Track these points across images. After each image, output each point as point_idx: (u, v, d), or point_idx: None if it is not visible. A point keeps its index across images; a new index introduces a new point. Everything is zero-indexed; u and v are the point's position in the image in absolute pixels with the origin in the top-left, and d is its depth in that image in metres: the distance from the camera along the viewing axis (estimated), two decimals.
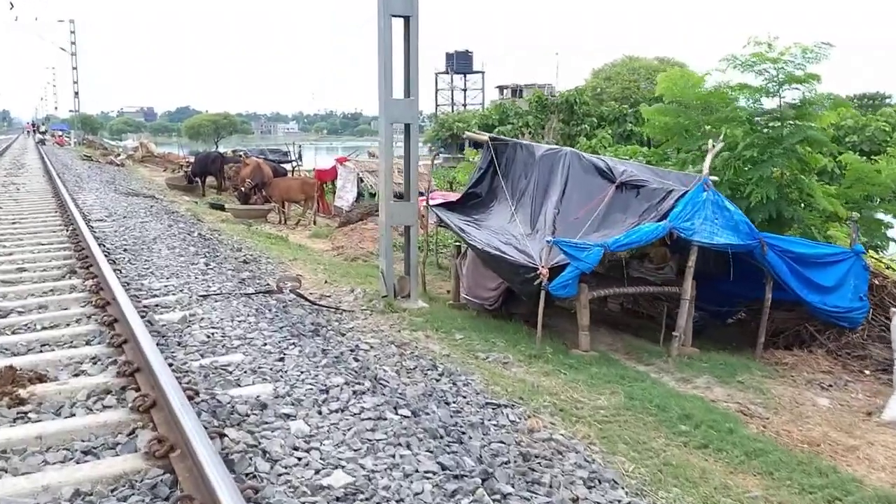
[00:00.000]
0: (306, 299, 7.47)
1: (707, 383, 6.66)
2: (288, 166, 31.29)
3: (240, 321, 6.25)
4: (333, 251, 13.10)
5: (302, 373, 4.95)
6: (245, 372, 4.94)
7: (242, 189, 18.30)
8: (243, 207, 17.84)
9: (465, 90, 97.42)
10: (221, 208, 20.23)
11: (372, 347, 6.23)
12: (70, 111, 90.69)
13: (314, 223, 18.64)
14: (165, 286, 7.59)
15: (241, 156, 32.61)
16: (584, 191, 7.73)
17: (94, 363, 5.36)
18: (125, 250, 9.74)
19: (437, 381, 5.46)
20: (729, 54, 11.69)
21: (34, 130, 75.19)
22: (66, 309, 7.02)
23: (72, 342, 5.89)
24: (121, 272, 8.29)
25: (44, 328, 6.37)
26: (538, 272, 6.82)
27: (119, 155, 42.86)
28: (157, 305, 6.87)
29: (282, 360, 5.21)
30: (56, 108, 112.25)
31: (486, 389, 5.40)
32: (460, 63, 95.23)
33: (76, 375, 5.17)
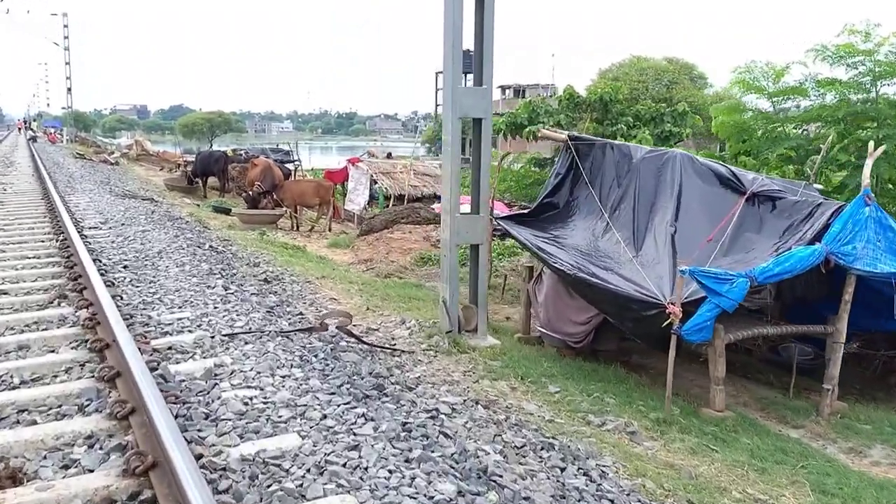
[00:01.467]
0: (360, 339, 5.95)
1: (888, 456, 5.19)
2: (290, 167, 29.75)
3: (283, 376, 4.72)
4: (360, 265, 11.59)
5: (391, 472, 3.43)
6: (309, 470, 3.43)
7: (251, 192, 16.75)
8: (252, 212, 16.29)
9: None
10: (227, 212, 18.65)
11: (454, 411, 4.72)
12: (62, 108, 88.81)
13: (329, 230, 17.09)
14: (179, 319, 6.05)
15: (241, 154, 31.03)
16: (703, 203, 6.24)
17: (91, 447, 3.84)
18: (125, 268, 8.20)
19: (563, 470, 3.96)
20: (818, 44, 10.22)
21: (26, 127, 73.31)
22: (52, 351, 5.50)
23: (59, 407, 4.37)
24: (121, 298, 6.76)
25: (22, 382, 4.85)
26: (663, 310, 5.31)
27: (113, 153, 41.20)
28: (170, 349, 5.34)
29: (355, 447, 3.69)
30: (48, 104, 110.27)
31: (634, 485, 3.90)
32: (462, 62, 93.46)
33: (65, 468, 3.65)
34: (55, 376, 4.95)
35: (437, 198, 21.19)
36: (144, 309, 6.41)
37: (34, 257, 9.06)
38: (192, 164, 23.48)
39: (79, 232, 10.44)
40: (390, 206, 20.31)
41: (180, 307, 6.49)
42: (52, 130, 67.18)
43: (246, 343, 5.43)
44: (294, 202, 17.13)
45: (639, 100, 57.64)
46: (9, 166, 25.21)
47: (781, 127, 10.76)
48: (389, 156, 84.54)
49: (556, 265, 6.48)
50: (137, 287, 7.27)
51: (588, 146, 7.48)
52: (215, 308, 6.47)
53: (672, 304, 5.25)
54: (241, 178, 23.92)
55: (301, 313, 7.04)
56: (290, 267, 9.81)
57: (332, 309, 6.63)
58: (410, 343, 6.36)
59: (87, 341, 5.56)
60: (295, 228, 17.15)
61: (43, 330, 5.98)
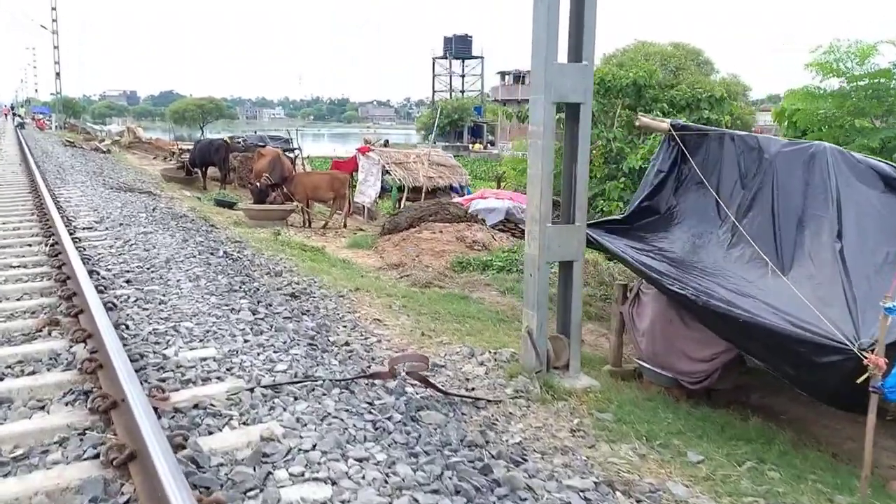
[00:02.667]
0: (438, 389, 4.67)
1: None
2: (290, 155, 28.30)
3: (359, 458, 3.44)
4: (390, 271, 10.28)
5: None
6: None
7: (259, 185, 15.38)
8: (260, 208, 14.93)
9: (463, 76, 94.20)
10: (231, 206, 17.28)
11: (589, 502, 3.46)
12: (51, 94, 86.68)
13: (344, 226, 15.73)
14: (202, 360, 4.75)
15: (239, 142, 29.56)
16: (871, 212, 4.95)
17: None
18: (128, 282, 6.88)
19: None
20: None
21: (12, 114, 71.35)
22: (41, 408, 4.21)
23: None
24: (126, 327, 5.45)
25: (2, 465, 3.56)
26: (849, 356, 4.02)
27: (103, 140, 39.62)
28: (196, 408, 4.04)
29: None
30: (36, 90, 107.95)
31: None
32: (459, 48, 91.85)
33: None
34: (44, 453, 3.66)
35: (452, 189, 19.89)
36: (157, 343, 5.11)
37: (19, 266, 7.74)
38: (191, 154, 22.02)
39: (71, 234, 9.11)
40: (403, 198, 19.01)
41: (202, 340, 5.18)
42: (41, 117, 65.32)
43: (296, 399, 4.14)
44: (306, 196, 15.76)
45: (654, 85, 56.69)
46: None
47: (869, 115, 9.50)
48: (386, 143, 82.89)
49: (673, 288, 5.20)
50: (145, 310, 5.95)
51: (698, 137, 6.17)
52: (245, 341, 5.17)
53: (868, 349, 3.98)
54: (242, 169, 22.52)
55: (347, 343, 5.76)
56: (317, 276, 8.52)
57: (404, 352, 5.31)
58: (491, 385, 5.08)
59: (86, 394, 4.27)
60: (307, 225, 15.79)
61: (29, 374, 4.68)
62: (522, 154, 18.88)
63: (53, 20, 54.17)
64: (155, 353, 4.89)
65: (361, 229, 16.03)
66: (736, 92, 39.43)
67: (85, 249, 8.39)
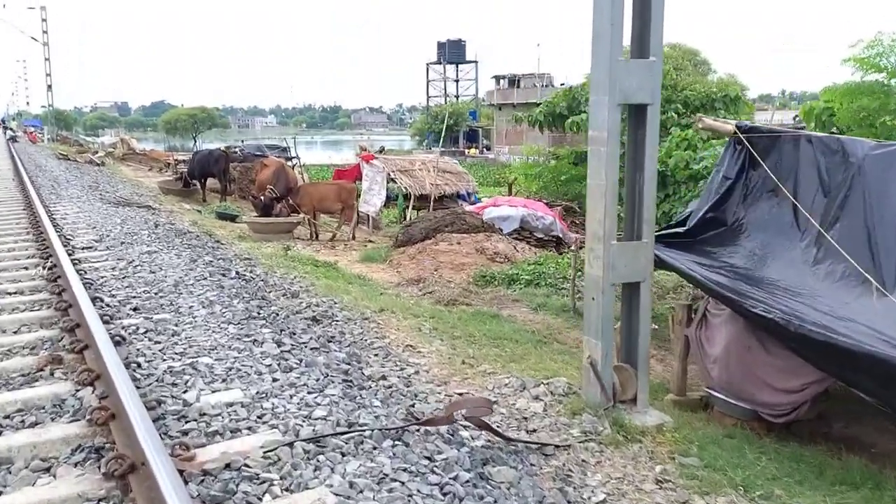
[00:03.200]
0: (500, 435, 4.08)
1: None
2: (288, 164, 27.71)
3: None
4: (410, 287, 9.68)
5: None
6: None
7: (262, 197, 14.75)
8: (265, 221, 14.31)
9: (457, 81, 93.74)
10: (233, 219, 16.68)
11: None
12: (42, 106, 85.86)
13: (353, 238, 15.12)
14: (228, 406, 4.17)
15: (236, 152, 28.97)
16: None
17: None
18: (136, 310, 6.28)
19: None
20: None
21: (4, 127, 70.57)
22: (46, 470, 3.63)
23: None
24: (139, 366, 4.86)
25: None
26: None
27: (97, 152, 38.97)
28: (228, 470, 3.45)
29: None
30: (28, 103, 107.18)
31: None
32: (452, 52, 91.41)
33: None
34: None
35: (459, 197, 19.33)
36: (174, 384, 4.51)
37: (16, 293, 7.15)
38: (189, 165, 21.38)
39: (70, 255, 8.51)
40: (410, 207, 18.44)
41: (225, 380, 4.59)
42: (33, 130, 64.57)
43: (344, 455, 3.56)
44: (313, 208, 15.15)
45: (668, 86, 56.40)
46: None
47: None
48: (382, 150, 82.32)
49: (756, 311, 4.63)
50: (157, 343, 5.36)
51: (769, 140, 5.59)
52: (274, 380, 4.58)
53: None
54: (242, 180, 21.91)
55: (384, 377, 5.17)
56: (335, 296, 7.93)
57: (465, 397, 4.70)
58: (553, 426, 4.50)
59: (98, 452, 3.69)
60: (314, 238, 15.17)
61: (31, 426, 4.09)
62: (531, 159, 18.36)
63: (44, 32, 53.47)
64: (174, 397, 4.29)
65: (371, 241, 15.43)
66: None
67: (86, 272, 7.80)
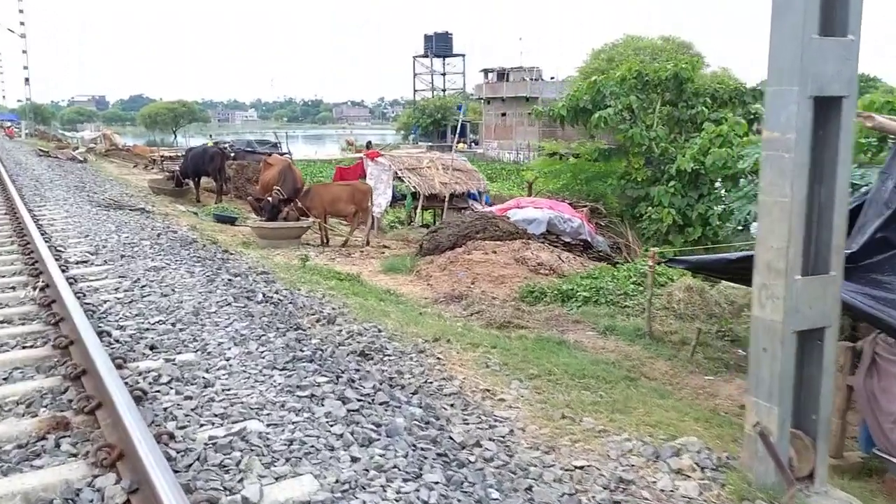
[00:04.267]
0: None
1: None
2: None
3: None
4: (449, 304, 8.56)
5: None
6: None
7: (269, 199, 13.51)
8: (272, 226, 13.11)
9: (444, 74, 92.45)
10: (232, 222, 15.48)
11: None
12: (18, 100, 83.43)
13: (367, 243, 13.97)
14: None
15: (225, 148, 27.60)
16: None
17: None
18: (153, 349, 5.18)
19: None
20: None
21: None
22: None
23: None
24: (172, 437, 3.77)
25: None
26: None
27: (77, 148, 37.44)
28: None
29: None
30: (3, 97, 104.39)
31: None
32: (440, 45, 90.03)
33: None
34: None
35: (470, 196, 18.27)
36: (224, 468, 3.43)
37: (2, 322, 6.01)
38: (182, 163, 20.06)
39: (63, 271, 7.39)
40: (419, 207, 17.36)
41: (288, 460, 3.51)
42: (9, 124, 62.54)
43: None
44: (324, 211, 13.96)
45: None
46: None
47: None
48: (369, 145, 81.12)
49: None
50: (188, 398, 4.26)
51: None
52: (353, 459, 3.52)
53: None
54: (238, 178, 20.68)
55: (478, 443, 4.12)
56: (375, 319, 6.86)
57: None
58: None
59: None
60: (325, 243, 14.00)
61: None
62: (549, 155, 17.31)
63: (21, 23, 51.59)
64: (228, 491, 3.21)
65: (385, 246, 14.29)
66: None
67: (85, 295, 6.67)
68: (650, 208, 14.09)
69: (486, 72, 78.17)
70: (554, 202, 13.99)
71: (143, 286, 6.94)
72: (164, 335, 5.45)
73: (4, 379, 4.75)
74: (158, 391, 4.39)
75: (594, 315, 8.04)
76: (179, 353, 5.11)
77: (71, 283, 6.99)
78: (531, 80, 74.06)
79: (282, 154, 31.42)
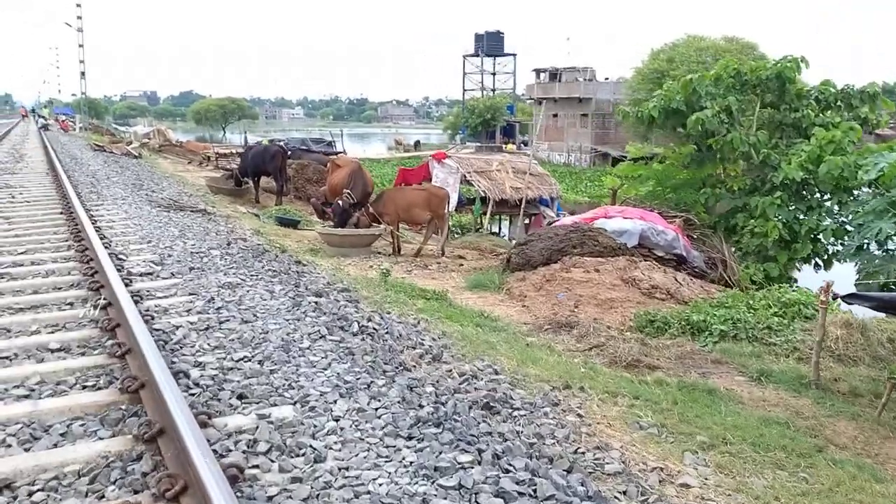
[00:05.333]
0: None
1: None
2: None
3: None
4: (560, 333, 7.44)
5: None
6: None
7: (339, 203, 12.49)
8: (343, 233, 12.13)
9: (494, 74, 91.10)
10: (294, 225, 14.63)
11: None
12: (73, 95, 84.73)
13: (442, 253, 12.94)
14: None
15: (280, 145, 26.86)
16: None
17: None
18: (242, 398, 4.21)
19: None
20: None
21: (37, 116, 69.35)
22: None
23: None
24: None
25: None
26: None
27: (131, 143, 37.23)
28: None
29: None
30: (59, 90, 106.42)
31: None
32: (491, 45, 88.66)
33: None
34: None
35: (541, 202, 17.13)
36: None
37: (59, 351, 5.12)
38: (241, 161, 19.27)
39: (127, 285, 6.51)
40: (488, 213, 16.30)
41: None
42: (65, 118, 63.23)
43: None
44: (398, 217, 12.96)
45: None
46: (18, 161, 21.27)
47: None
48: (417, 144, 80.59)
49: None
50: (297, 482, 3.26)
51: None
52: None
53: None
54: (298, 178, 19.85)
55: None
56: (484, 354, 5.82)
57: None
58: None
59: None
60: (396, 252, 13.01)
61: None
62: (636, 160, 16.06)
63: (78, 17, 51.83)
64: None
65: (461, 257, 13.25)
66: None
67: (153, 317, 5.75)
68: (752, 220, 12.78)
69: (537, 72, 76.73)
70: (644, 212, 12.79)
71: (220, 308, 5.99)
72: (253, 378, 4.47)
73: (62, 436, 3.81)
74: (257, 467, 3.39)
75: (737, 354, 6.86)
76: (274, 404, 4.12)
77: (136, 301, 6.10)
78: (584, 80, 72.41)
79: (336, 153, 30.64)
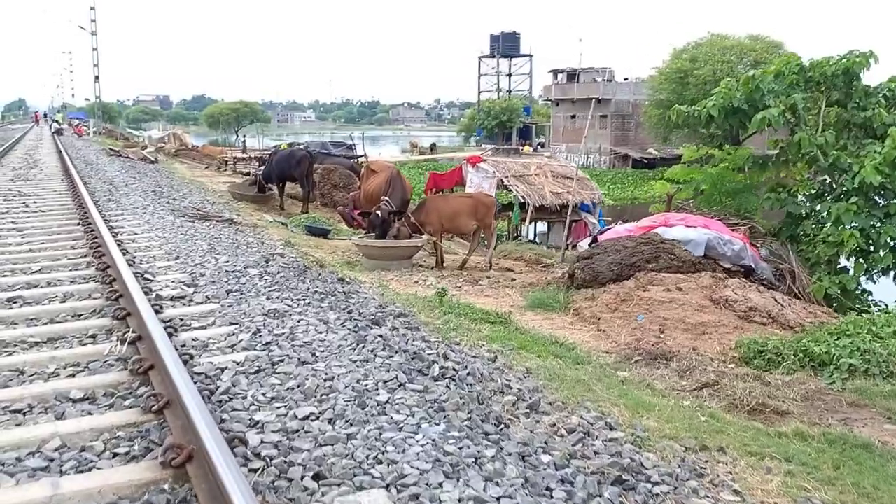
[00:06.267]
0: None
1: None
2: (346, 162, 24.58)
3: None
4: (661, 369, 6.33)
5: None
6: None
7: (378, 213, 11.46)
8: (382, 244, 11.14)
9: (510, 75, 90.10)
10: (325, 234, 13.72)
11: None
12: (86, 99, 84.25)
13: (489, 266, 11.92)
14: None
15: (303, 148, 25.97)
16: None
17: None
18: (319, 479, 3.26)
19: None
20: None
21: (51, 120, 68.94)
22: None
23: None
24: None
25: None
26: None
27: (146, 147, 36.51)
28: None
29: None
30: (73, 95, 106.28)
31: None
32: (506, 46, 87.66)
33: None
34: None
35: (582, 208, 16.14)
36: None
37: (86, 400, 4.21)
38: (266, 166, 18.34)
39: (157, 312, 5.62)
40: (527, 219, 15.33)
41: None
42: (78, 122, 62.73)
43: None
44: (441, 227, 11.97)
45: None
46: (32, 167, 20.47)
47: None
48: (433, 147, 79.57)
49: None
50: None
51: None
52: None
53: None
54: (324, 184, 18.94)
55: None
56: (587, 401, 4.86)
57: None
58: None
59: None
60: (440, 265, 12.01)
61: None
62: (687, 163, 15.03)
63: (92, 20, 51.26)
64: None
65: (510, 269, 12.27)
66: None
67: (192, 356, 4.82)
68: (828, 227, 11.74)
69: (555, 72, 75.67)
70: (706, 219, 11.79)
71: (269, 344, 5.06)
72: (327, 447, 3.52)
73: None
74: None
75: (876, 395, 5.81)
76: (361, 486, 3.18)
77: (170, 334, 5.19)
78: (603, 80, 71.26)
79: (357, 157, 29.73)
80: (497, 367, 5.31)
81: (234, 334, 5.32)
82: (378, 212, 11.39)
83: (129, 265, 7.31)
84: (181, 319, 5.78)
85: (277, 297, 6.34)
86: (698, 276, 8.67)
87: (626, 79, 72.34)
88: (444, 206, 11.99)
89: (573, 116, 73.90)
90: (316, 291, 6.71)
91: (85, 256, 8.33)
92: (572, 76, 73.17)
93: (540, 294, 9.02)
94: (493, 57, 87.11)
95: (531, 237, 18.74)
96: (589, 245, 12.57)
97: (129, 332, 5.31)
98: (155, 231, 10.02)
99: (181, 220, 11.37)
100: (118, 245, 8.35)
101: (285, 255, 8.52)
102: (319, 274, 7.69)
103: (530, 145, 78.58)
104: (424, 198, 13.16)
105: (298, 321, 5.58)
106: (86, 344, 5.27)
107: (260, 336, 5.21)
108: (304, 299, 6.34)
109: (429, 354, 4.99)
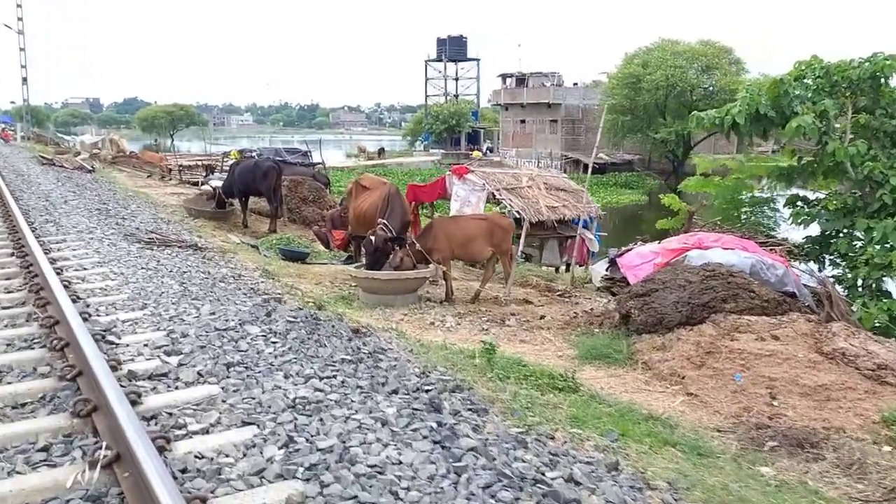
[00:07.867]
0: None
1: None
2: (304, 169, 22.72)
3: None
4: (809, 462, 4.83)
5: None
6: None
7: (373, 239, 9.61)
8: (386, 277, 9.33)
9: (457, 79, 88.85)
10: (302, 258, 11.98)
11: None
12: (11, 102, 79.43)
13: (508, 297, 10.26)
14: None
15: (251, 158, 24.00)
16: None
17: None
18: None
19: None
20: None
21: None
22: None
23: None
24: None
25: None
26: None
27: (78, 153, 33.74)
28: None
29: None
30: None
31: None
32: (453, 49, 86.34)
33: None
34: None
35: (578, 223, 14.78)
36: None
37: None
38: (227, 178, 16.31)
39: (133, 402, 4.03)
40: (522, 237, 13.91)
41: None
42: (3, 126, 58.67)
43: None
44: (452, 254, 10.27)
45: (675, 87, 51.88)
46: None
47: None
48: (381, 152, 77.65)
49: None
50: None
51: None
52: None
53: None
54: (291, 198, 17.08)
55: None
56: None
57: None
58: None
59: None
60: (450, 298, 10.29)
61: None
62: (702, 174, 13.79)
63: (19, 19, 47.83)
64: None
65: (529, 301, 10.72)
66: None
67: (204, 500, 3.16)
68: (872, 247, 10.62)
69: (504, 77, 74.73)
70: (741, 240, 10.52)
71: (314, 467, 3.43)
72: None
73: None
74: None
75: None
76: None
77: (161, 447, 3.54)
78: (553, 85, 70.59)
79: (314, 165, 27.84)
80: (632, 485, 3.80)
81: (255, 445, 3.68)
82: (372, 238, 9.66)
83: (85, 319, 5.57)
84: (169, 414, 4.10)
85: (298, 374, 4.69)
86: (791, 321, 7.27)
87: (575, 83, 71.96)
88: (455, 231, 10.33)
89: (523, 121, 73.07)
90: (345, 360, 5.08)
91: (23, 304, 6.52)
92: (521, 81, 72.38)
93: (593, 342, 7.50)
94: (440, 61, 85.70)
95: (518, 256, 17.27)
96: (606, 269, 11.18)
97: (101, 446, 3.62)
98: (109, 264, 8.19)
99: (136, 246, 9.52)
100: (65, 286, 6.57)
101: (286, 303, 6.80)
102: (334, 327, 6.05)
103: (479, 150, 77.45)
104: (434, 221, 11.51)
105: (346, 421, 3.95)
106: (37, 468, 3.55)
107: (296, 452, 3.58)
108: (334, 376, 4.70)
109: (524, 473, 3.44)
